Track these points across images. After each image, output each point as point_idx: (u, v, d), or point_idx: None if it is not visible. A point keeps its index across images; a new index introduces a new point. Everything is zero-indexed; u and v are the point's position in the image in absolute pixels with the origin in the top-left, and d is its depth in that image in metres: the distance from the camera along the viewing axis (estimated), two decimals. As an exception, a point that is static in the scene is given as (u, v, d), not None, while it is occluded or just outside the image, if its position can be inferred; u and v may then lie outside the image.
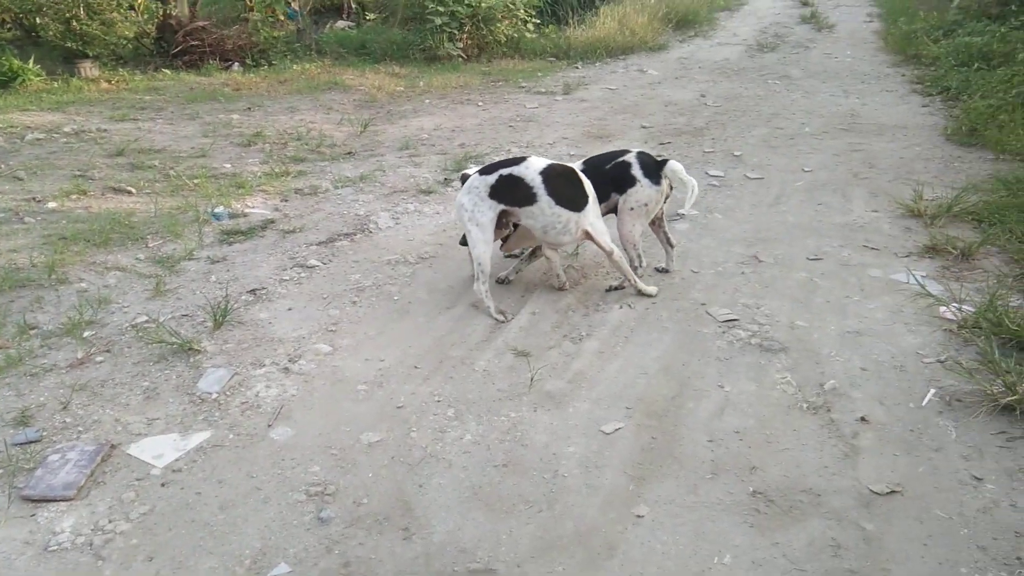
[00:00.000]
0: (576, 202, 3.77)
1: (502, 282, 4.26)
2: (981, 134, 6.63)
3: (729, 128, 7.59)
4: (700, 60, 11.83)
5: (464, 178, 3.99)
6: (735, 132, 7.42)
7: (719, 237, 4.89)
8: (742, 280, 4.28)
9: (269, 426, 3.01)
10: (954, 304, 3.80)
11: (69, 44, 9.62)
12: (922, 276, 4.22)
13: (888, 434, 2.96)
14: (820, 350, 3.56)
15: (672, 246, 4.37)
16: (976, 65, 8.78)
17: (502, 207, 3.74)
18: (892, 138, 7.00)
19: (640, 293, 4.04)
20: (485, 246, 3.76)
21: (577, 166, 4.06)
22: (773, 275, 4.33)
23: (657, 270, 4.44)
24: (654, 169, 4.03)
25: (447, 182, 5.96)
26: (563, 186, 3.75)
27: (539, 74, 10.85)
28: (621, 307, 4.00)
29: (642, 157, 4.07)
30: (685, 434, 2.99)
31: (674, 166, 4.03)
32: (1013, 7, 10.73)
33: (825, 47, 12.17)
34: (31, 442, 2.93)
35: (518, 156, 3.89)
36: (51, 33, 9.52)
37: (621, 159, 4.07)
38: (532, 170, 3.72)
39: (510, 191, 3.72)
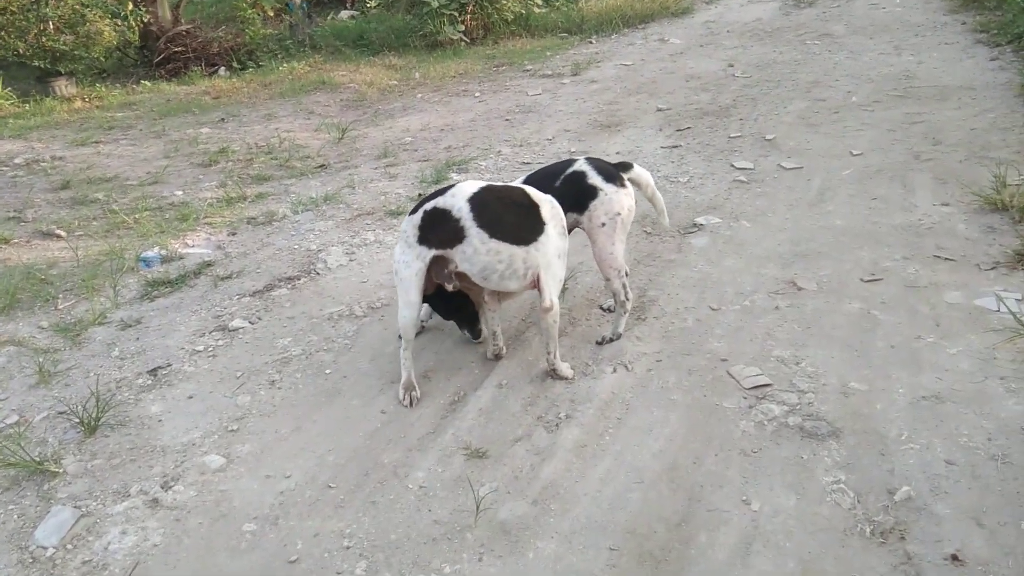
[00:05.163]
0: (521, 233, 2.81)
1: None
2: (1071, 91, 5.44)
3: (760, 104, 6.49)
4: (729, 22, 10.63)
5: None
6: (767, 109, 6.33)
7: (747, 254, 3.89)
8: (776, 319, 3.28)
9: (108, 604, 2.18)
10: (1073, 349, 2.77)
11: (37, 63, 8.93)
12: (1017, 300, 3.18)
13: (997, 584, 1.98)
14: (886, 431, 2.57)
15: (626, 274, 3.31)
16: (1053, 4, 7.47)
17: (433, 252, 2.82)
18: (958, 103, 5.83)
19: (554, 371, 3.02)
20: (408, 309, 2.84)
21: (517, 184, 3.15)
22: (817, 309, 3.33)
23: (603, 309, 3.53)
24: (614, 173, 3.16)
25: (421, 197, 5.05)
26: (501, 213, 2.79)
27: (548, 53, 9.82)
28: (615, 369, 3.05)
29: (596, 163, 3.20)
30: (693, 594, 2.06)
31: (641, 171, 3.29)
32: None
33: (870, -4, 10.82)
34: None
35: (449, 184, 2.96)
36: (14, 52, 8.82)
37: (571, 170, 3.17)
38: (459, 198, 2.79)
39: (438, 230, 2.80)
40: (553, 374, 3.03)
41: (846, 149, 5.17)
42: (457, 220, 2.76)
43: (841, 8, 10.41)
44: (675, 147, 5.62)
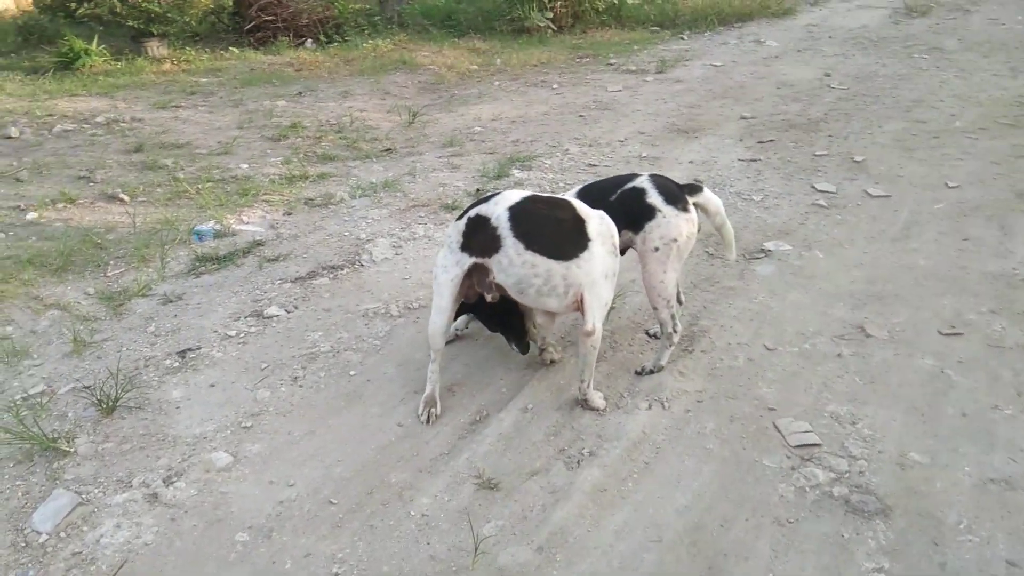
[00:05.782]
0: (561, 247, 2.61)
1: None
2: None
3: (854, 121, 6.06)
4: (832, 28, 10.07)
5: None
6: (860, 127, 5.90)
7: (815, 289, 3.59)
8: (837, 368, 3.00)
9: (88, 603, 2.12)
10: None
11: (131, 23, 9.15)
12: (1122, 377, 2.81)
13: None
14: (944, 515, 2.28)
15: (680, 303, 3.16)
16: None
17: (473, 260, 2.67)
18: (1078, 138, 5.30)
19: (585, 401, 2.82)
20: (438, 315, 2.73)
21: (570, 196, 2.94)
22: (885, 361, 3.02)
23: (649, 335, 3.29)
24: (678, 194, 2.89)
25: (479, 193, 4.90)
26: (540, 225, 2.61)
27: (635, 47, 9.49)
28: (651, 406, 2.84)
29: (659, 180, 2.94)
30: None
31: (711, 196, 3.02)
32: None
33: (990, 10, 10.06)
34: None
35: (496, 192, 2.79)
36: (110, 11, 9.02)
37: (631, 185, 2.93)
38: (501, 206, 2.63)
39: (478, 237, 2.65)
40: (584, 403, 2.84)
41: (942, 180, 4.75)
42: (495, 228, 2.60)
43: (956, 21, 9.70)
44: (753, 161, 5.29)
